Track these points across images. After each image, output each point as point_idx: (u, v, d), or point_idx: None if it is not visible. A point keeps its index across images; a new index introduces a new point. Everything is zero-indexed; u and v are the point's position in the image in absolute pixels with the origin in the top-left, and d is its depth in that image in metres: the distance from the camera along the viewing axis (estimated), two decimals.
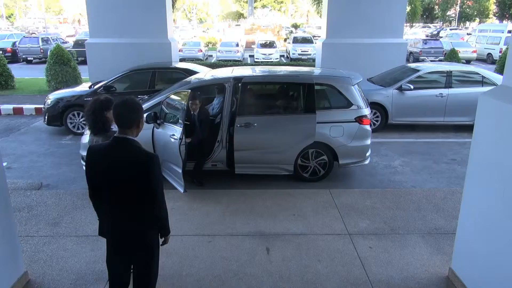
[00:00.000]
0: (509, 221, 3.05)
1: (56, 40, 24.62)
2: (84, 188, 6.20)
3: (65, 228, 4.91)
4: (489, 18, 55.95)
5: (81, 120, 8.97)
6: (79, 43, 22.39)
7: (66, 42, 26.51)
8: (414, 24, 51.17)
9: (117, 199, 2.62)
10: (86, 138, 6.33)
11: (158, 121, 5.65)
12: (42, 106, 9.65)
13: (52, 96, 9.27)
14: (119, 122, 2.61)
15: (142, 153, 2.57)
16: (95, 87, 9.23)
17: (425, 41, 24.59)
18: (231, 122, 5.99)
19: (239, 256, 4.33)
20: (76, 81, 12.93)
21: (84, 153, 6.13)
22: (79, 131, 8.75)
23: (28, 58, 23.22)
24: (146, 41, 11.26)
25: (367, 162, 6.47)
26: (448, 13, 59.85)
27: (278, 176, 6.26)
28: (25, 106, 11.06)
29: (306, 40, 25.83)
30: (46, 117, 9.08)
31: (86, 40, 13.12)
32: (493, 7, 55.37)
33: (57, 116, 8.96)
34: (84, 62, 14.30)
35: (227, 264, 4.20)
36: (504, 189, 3.10)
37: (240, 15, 61.82)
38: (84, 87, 9.76)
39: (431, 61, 21.01)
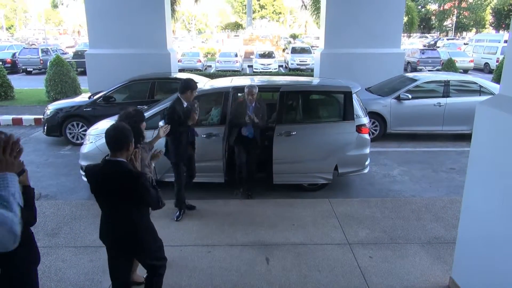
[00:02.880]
0: (509, 229, 3.05)
1: (56, 51, 24.68)
2: (83, 198, 6.20)
3: (63, 238, 4.88)
4: (486, 28, 56.42)
5: (80, 130, 8.98)
6: (78, 54, 22.49)
7: (65, 53, 26.63)
8: (411, 34, 51.54)
9: (111, 212, 3.00)
10: (85, 148, 6.34)
11: None
12: (41, 116, 9.66)
13: (52, 107, 9.28)
14: (110, 146, 2.89)
15: (130, 172, 2.87)
16: (95, 97, 9.24)
17: (422, 51, 24.75)
18: (230, 131, 6.00)
19: (238, 267, 4.30)
20: (76, 91, 12.95)
21: (84, 163, 6.22)
22: (78, 142, 8.74)
23: (28, 69, 23.28)
24: (145, 52, 11.31)
25: (366, 171, 6.47)
26: (445, 23, 60.36)
27: (277, 186, 6.26)
28: (24, 117, 11.07)
29: (305, 50, 25.96)
30: (45, 127, 9.08)
31: (85, 51, 13.18)
32: (489, 18, 55.86)
33: (57, 126, 8.96)
34: (83, 73, 14.36)
35: (226, 274, 4.17)
36: (503, 197, 3.10)
37: (238, 26, 62.22)
38: (83, 98, 9.78)
39: (428, 70, 21.11)
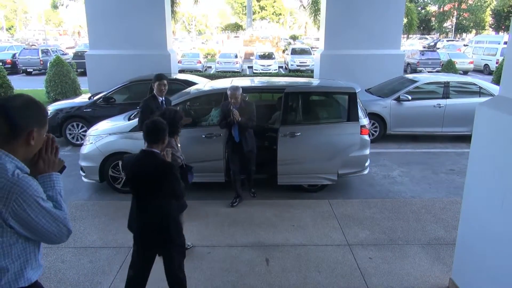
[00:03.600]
0: (509, 230, 3.05)
1: (56, 51, 24.72)
2: (82, 199, 6.21)
3: None
4: (485, 29, 56.47)
5: (80, 131, 8.98)
6: (78, 55, 22.51)
7: (65, 54, 26.65)
8: (411, 36, 51.59)
9: (144, 199, 3.16)
10: (85, 149, 6.34)
11: None
12: None
13: (52, 107, 9.27)
14: (148, 138, 3.17)
15: (162, 163, 3.13)
16: (95, 98, 9.24)
17: (422, 52, 24.77)
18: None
19: (238, 267, 4.30)
20: (76, 92, 12.96)
21: (83, 164, 6.22)
22: (78, 142, 8.74)
23: (28, 70, 23.30)
24: (145, 53, 11.32)
25: (366, 172, 6.46)
26: (445, 24, 60.40)
27: (277, 187, 6.26)
28: None
29: (305, 52, 25.99)
30: None
31: (85, 51, 13.20)
32: (489, 19, 55.91)
33: (56, 127, 8.95)
34: (83, 74, 14.37)
35: (226, 275, 4.17)
36: (503, 198, 3.10)
37: (239, 27, 62.30)
38: (83, 98, 9.78)
39: (428, 72, 21.13)
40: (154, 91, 5.34)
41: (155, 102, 5.28)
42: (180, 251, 3.36)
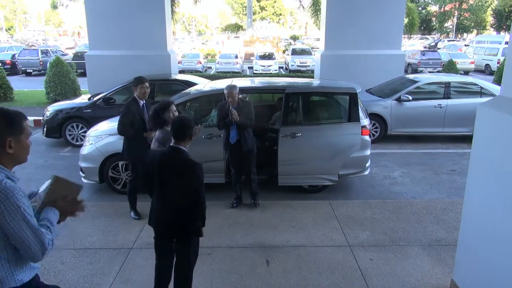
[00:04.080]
0: (510, 231, 3.04)
1: (56, 52, 24.72)
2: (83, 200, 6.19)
3: (63, 240, 4.87)
4: (486, 29, 56.46)
5: (80, 132, 8.98)
6: (78, 55, 22.49)
7: (65, 54, 26.61)
8: (411, 36, 51.59)
9: (167, 194, 3.29)
10: (85, 149, 6.34)
11: None
12: (41, 118, 9.65)
13: (51, 108, 9.28)
14: (175, 135, 3.29)
15: (188, 160, 3.25)
16: (94, 99, 9.24)
17: (423, 53, 24.76)
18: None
19: (238, 269, 4.30)
20: (75, 93, 12.95)
21: (83, 165, 6.22)
22: (78, 143, 8.73)
23: (28, 70, 23.28)
24: (145, 53, 11.31)
25: (366, 172, 6.47)
26: (446, 24, 60.38)
27: (278, 187, 6.26)
28: None
29: (305, 52, 25.99)
30: (45, 129, 9.08)
31: (85, 52, 13.18)
32: (490, 19, 55.90)
33: (56, 128, 8.96)
34: (83, 74, 14.35)
35: (226, 276, 4.17)
36: (505, 198, 3.09)
37: (239, 27, 62.31)
38: (83, 99, 9.77)
39: (429, 72, 21.12)
40: (136, 94, 5.30)
41: (136, 105, 5.26)
42: (195, 249, 3.48)
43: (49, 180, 2.28)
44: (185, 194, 3.24)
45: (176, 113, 4.37)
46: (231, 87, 5.43)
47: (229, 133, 5.59)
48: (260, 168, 6.16)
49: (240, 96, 5.69)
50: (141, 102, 5.31)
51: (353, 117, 6.06)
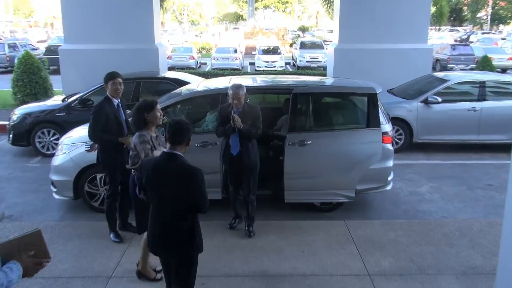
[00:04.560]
0: None
1: (25, 46, 24.88)
2: (53, 219, 6.19)
3: None
4: None
5: (51, 139, 8.97)
6: (51, 50, 22.61)
7: (36, 49, 26.80)
8: (440, 27, 51.80)
9: (163, 205, 3.44)
10: (57, 160, 6.32)
11: None
12: (6, 122, 9.66)
13: (19, 111, 9.29)
14: (171, 139, 3.40)
15: (187, 166, 3.38)
16: (69, 100, 9.26)
17: (453, 47, 24.83)
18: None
19: None
20: (47, 93, 12.96)
21: (55, 178, 6.19)
22: (49, 152, 8.73)
23: None
24: (129, 47, 11.36)
25: (389, 187, 6.44)
26: (479, 15, 60.65)
27: (284, 205, 6.22)
28: None
29: (316, 46, 26.12)
30: (11, 135, 9.08)
31: (59, 46, 13.25)
32: None
33: (24, 134, 8.96)
34: (57, 72, 14.40)
35: None
36: None
37: (238, 17, 62.82)
38: (56, 101, 9.80)
39: (461, 69, 21.15)
40: (108, 92, 5.29)
41: (110, 105, 5.24)
42: (193, 264, 3.64)
43: (31, 230, 2.35)
44: (184, 206, 3.37)
45: (162, 116, 4.45)
46: (237, 87, 5.29)
47: (229, 142, 5.47)
48: (263, 182, 6.11)
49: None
50: (115, 101, 5.30)
51: (372, 122, 6.04)
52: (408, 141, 9.38)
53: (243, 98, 5.33)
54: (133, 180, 4.36)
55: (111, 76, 5.31)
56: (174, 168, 3.36)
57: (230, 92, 5.30)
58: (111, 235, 5.46)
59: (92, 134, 5.23)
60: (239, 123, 5.21)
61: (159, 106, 4.43)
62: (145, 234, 4.24)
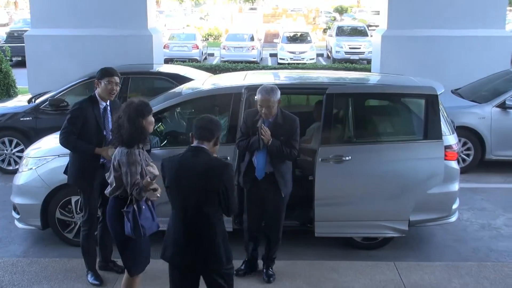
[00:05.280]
0: None
1: None
2: (15, 255, 6.23)
3: None
4: None
5: (14, 150, 9.10)
6: (14, 36, 23.04)
7: None
8: None
9: (192, 205, 3.76)
10: (21, 177, 6.39)
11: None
12: None
13: None
14: (198, 134, 3.80)
15: (216, 160, 3.84)
16: (37, 101, 9.39)
17: None
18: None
19: None
20: (9, 91, 13.13)
21: (18, 201, 6.26)
22: (11, 168, 8.86)
23: None
24: (115, 33, 11.48)
25: (453, 219, 6.40)
26: None
27: (314, 240, 6.22)
28: None
29: (357, 32, 26.18)
30: None
31: (25, 31, 13.46)
32: None
33: None
34: (22, 64, 14.64)
35: None
36: None
37: None
38: (20, 102, 9.95)
39: None
40: (98, 92, 5.28)
41: (94, 108, 5.22)
42: (228, 278, 3.93)
43: None
44: (212, 206, 3.75)
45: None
46: (267, 91, 5.15)
47: (253, 161, 5.36)
48: (288, 211, 6.10)
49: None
50: (103, 104, 5.33)
51: (431, 132, 6.02)
52: (479, 158, 9.32)
53: (276, 106, 5.19)
54: (128, 215, 4.24)
55: (108, 73, 5.32)
56: (202, 163, 3.73)
57: (258, 97, 5.20)
58: (89, 276, 5.48)
59: (64, 139, 5.23)
60: (267, 137, 5.09)
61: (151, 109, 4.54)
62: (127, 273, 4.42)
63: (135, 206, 4.18)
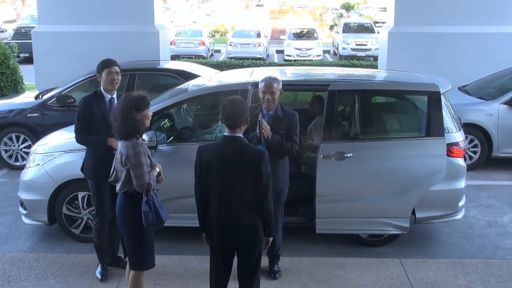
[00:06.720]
0: None
1: None
2: (22, 250, 6.25)
3: None
4: None
5: (21, 146, 9.15)
6: (22, 32, 23.07)
7: (3, 31, 27.34)
8: None
9: (230, 194, 4.01)
10: (28, 173, 6.42)
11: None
12: None
13: None
14: (229, 123, 3.99)
15: (252, 149, 4.07)
16: (44, 97, 9.41)
17: None
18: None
19: None
20: (16, 88, 13.17)
21: (25, 197, 6.29)
22: (18, 164, 8.90)
23: None
24: (121, 30, 11.48)
25: (459, 216, 6.39)
26: None
27: (317, 237, 6.22)
28: None
29: (364, 29, 26.12)
30: None
31: (33, 27, 13.47)
32: None
33: None
34: (29, 61, 14.66)
35: None
36: None
37: None
38: (27, 98, 9.96)
39: None
40: (102, 85, 5.27)
41: (99, 102, 5.25)
42: (260, 255, 4.25)
43: None
44: (253, 189, 3.94)
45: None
46: (272, 78, 5.24)
47: None
48: (289, 206, 6.09)
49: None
50: (108, 97, 5.33)
51: (434, 129, 6.00)
52: (486, 155, 9.31)
53: (278, 95, 5.25)
54: (150, 204, 4.24)
55: (107, 64, 5.33)
56: (240, 149, 3.96)
57: (261, 85, 5.24)
58: (98, 269, 5.48)
59: (79, 135, 5.27)
60: (267, 131, 5.09)
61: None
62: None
63: (153, 194, 4.23)
